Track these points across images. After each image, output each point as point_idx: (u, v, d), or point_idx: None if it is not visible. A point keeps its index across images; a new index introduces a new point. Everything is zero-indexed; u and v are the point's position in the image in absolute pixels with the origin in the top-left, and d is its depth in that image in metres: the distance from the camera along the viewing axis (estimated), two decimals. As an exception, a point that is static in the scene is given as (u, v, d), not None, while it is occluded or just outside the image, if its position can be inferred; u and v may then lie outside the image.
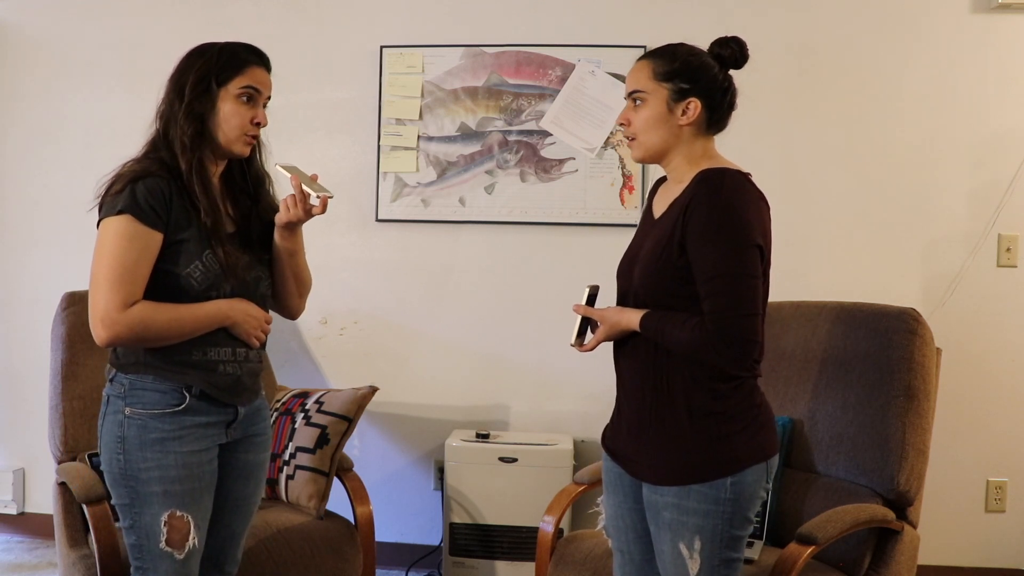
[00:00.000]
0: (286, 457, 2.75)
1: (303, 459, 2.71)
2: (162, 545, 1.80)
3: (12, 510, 3.63)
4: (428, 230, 3.41)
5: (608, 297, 1.88)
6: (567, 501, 2.65)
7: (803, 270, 3.25)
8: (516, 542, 3.07)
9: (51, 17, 3.55)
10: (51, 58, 3.55)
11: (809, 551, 2.11)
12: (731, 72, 1.80)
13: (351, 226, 3.45)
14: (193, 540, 1.82)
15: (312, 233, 3.39)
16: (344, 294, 3.46)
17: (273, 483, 2.75)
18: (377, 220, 3.42)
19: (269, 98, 1.91)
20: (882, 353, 2.47)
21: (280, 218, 1.87)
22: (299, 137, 3.46)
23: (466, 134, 3.36)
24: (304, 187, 1.84)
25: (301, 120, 3.45)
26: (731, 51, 1.76)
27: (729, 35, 1.78)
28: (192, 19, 3.47)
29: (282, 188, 1.95)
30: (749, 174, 1.74)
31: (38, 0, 3.55)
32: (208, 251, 1.81)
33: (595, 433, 3.37)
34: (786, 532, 2.35)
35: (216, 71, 1.83)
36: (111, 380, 1.86)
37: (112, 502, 1.89)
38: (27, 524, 3.65)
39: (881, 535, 2.34)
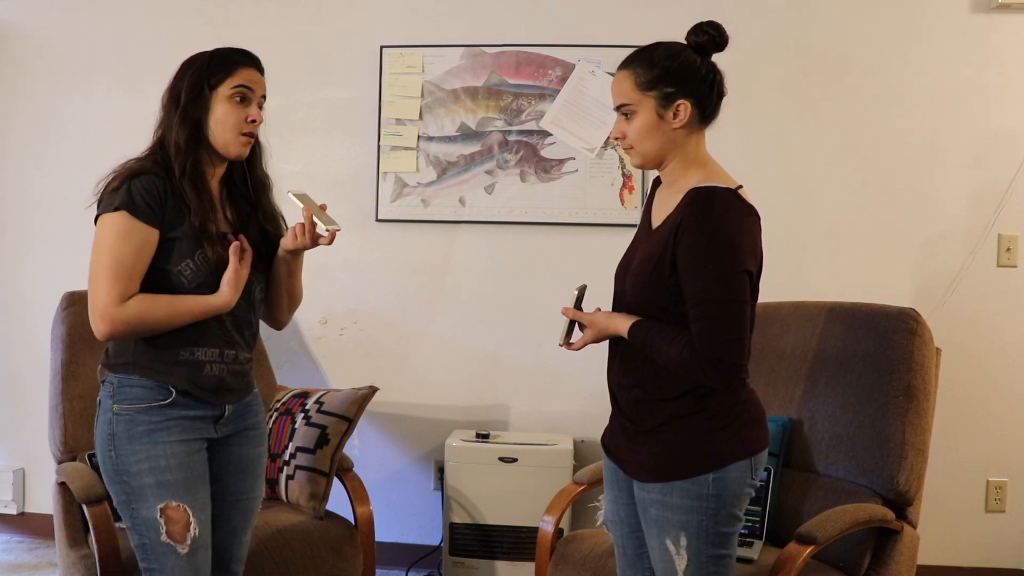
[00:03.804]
0: (286, 457, 2.75)
1: (303, 459, 2.71)
2: (163, 538, 1.81)
3: (12, 510, 3.63)
4: (428, 230, 3.41)
5: (601, 294, 1.88)
6: (567, 501, 2.65)
7: (803, 270, 3.25)
8: (516, 542, 3.07)
9: (51, 17, 3.55)
10: (51, 58, 3.55)
11: (809, 551, 2.11)
12: (727, 66, 1.77)
13: (351, 226, 3.44)
14: (195, 531, 1.83)
15: (312, 233, 3.44)
16: (344, 294, 3.46)
17: (273, 483, 2.75)
18: (377, 220, 3.42)
19: (264, 97, 1.93)
20: (882, 353, 2.47)
21: (287, 244, 1.92)
22: (299, 137, 3.46)
23: (466, 134, 3.36)
24: (315, 219, 1.89)
25: (301, 120, 3.46)
26: (708, 36, 1.73)
27: (703, 20, 1.75)
28: (192, 19, 3.47)
29: (291, 213, 1.98)
30: (740, 187, 1.73)
31: (38, 0, 3.55)
32: (200, 250, 1.84)
33: (595, 433, 3.37)
34: (786, 532, 2.35)
35: (208, 75, 1.87)
36: (103, 382, 1.90)
37: (113, 504, 1.90)
38: (27, 524, 3.65)
39: (881, 535, 2.34)
